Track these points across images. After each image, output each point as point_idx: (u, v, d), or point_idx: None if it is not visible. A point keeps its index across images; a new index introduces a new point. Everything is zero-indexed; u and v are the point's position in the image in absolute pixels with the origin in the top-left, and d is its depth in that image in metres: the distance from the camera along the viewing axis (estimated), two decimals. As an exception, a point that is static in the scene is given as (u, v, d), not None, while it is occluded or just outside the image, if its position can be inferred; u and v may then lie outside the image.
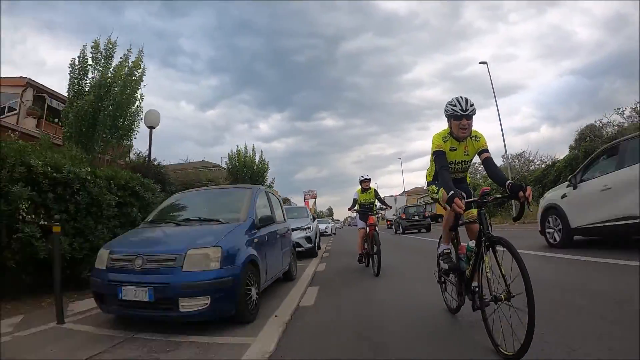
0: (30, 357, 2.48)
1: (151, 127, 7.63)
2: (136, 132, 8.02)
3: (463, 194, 2.32)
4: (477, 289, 2.30)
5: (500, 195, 2.42)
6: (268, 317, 3.25)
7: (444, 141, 2.66)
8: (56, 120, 14.78)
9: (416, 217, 19.16)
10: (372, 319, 3.13)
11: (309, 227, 9.06)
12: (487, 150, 2.64)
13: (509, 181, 2.30)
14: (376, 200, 6.44)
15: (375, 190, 6.55)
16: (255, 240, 3.63)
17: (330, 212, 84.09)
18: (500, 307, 2.06)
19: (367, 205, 6.31)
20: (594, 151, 15.37)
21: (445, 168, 2.57)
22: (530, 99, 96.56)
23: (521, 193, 2.14)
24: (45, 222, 4.01)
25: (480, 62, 21.19)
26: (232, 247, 3.13)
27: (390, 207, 6.98)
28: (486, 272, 2.13)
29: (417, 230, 18.87)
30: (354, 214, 6.82)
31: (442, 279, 3.02)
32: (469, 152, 2.70)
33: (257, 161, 18.01)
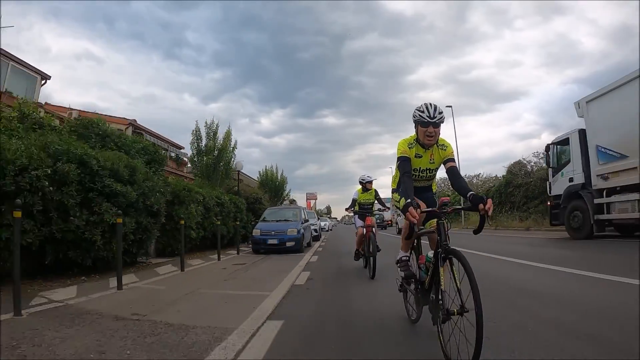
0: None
1: (238, 171, 15.21)
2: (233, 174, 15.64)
3: (419, 203, 2.37)
4: (433, 300, 2.23)
5: (460, 207, 2.44)
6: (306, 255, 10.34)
7: (410, 147, 2.60)
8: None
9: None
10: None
11: (316, 224, 16.45)
12: (452, 160, 2.58)
13: (471, 192, 2.23)
14: (375, 201, 6.36)
15: (375, 190, 6.41)
16: (303, 227, 10.89)
17: (328, 211, 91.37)
18: (452, 320, 1.97)
19: (366, 205, 6.24)
20: (512, 181, 20.54)
21: (407, 175, 2.52)
22: (532, 106, 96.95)
23: (481, 205, 2.07)
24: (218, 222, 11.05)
25: (447, 106, 23.70)
26: (298, 228, 10.38)
27: (389, 208, 7.67)
28: (441, 285, 2.09)
29: None
30: (352, 214, 6.72)
31: (403, 288, 2.91)
32: (435, 160, 2.63)
33: (279, 177, 26.18)
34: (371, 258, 5.30)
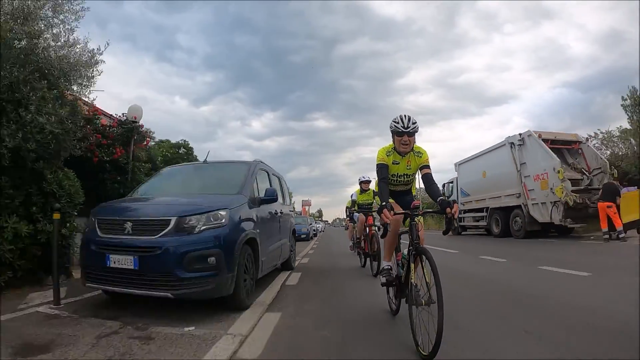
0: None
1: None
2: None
3: (393, 205, 2.56)
4: (408, 292, 2.44)
5: (430, 210, 2.73)
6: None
7: (387, 155, 2.78)
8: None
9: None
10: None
11: (311, 225, 23.40)
12: (428, 167, 2.77)
13: (441, 197, 2.46)
14: (374, 202, 6.42)
15: (373, 191, 6.44)
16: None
17: (320, 214, 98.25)
18: (422, 310, 2.22)
19: (365, 205, 6.40)
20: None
21: (383, 180, 2.71)
22: (522, 110, 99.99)
23: (448, 209, 2.31)
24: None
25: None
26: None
27: None
28: (411, 279, 2.32)
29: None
30: (343, 216, 10.50)
31: (387, 283, 3.04)
32: (411, 166, 2.82)
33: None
34: (375, 256, 5.36)
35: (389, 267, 2.90)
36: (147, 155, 7.83)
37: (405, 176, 2.88)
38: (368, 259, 5.93)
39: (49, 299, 3.57)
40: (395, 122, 2.69)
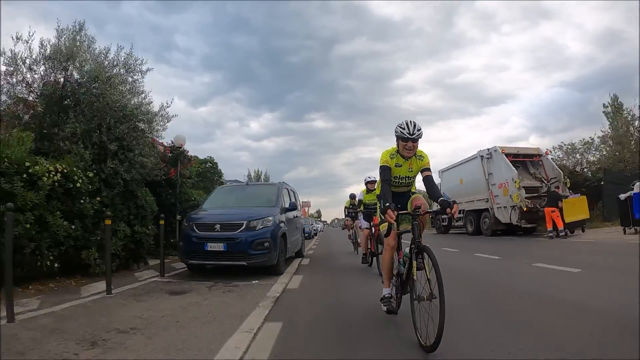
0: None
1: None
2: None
3: (397, 206, 2.69)
4: (409, 289, 2.59)
5: (431, 210, 2.86)
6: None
7: (391, 158, 2.91)
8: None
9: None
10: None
11: (312, 225, 25.63)
12: (428, 169, 2.94)
13: (441, 198, 2.64)
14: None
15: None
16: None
17: (319, 215, 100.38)
18: (423, 305, 2.32)
19: (371, 205, 6.39)
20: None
21: (387, 182, 2.85)
22: (520, 109, 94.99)
23: (448, 209, 2.51)
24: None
25: None
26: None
27: None
28: (413, 275, 2.44)
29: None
30: (341, 217, 10.93)
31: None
32: (413, 169, 2.96)
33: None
34: (380, 256, 5.22)
35: (390, 295, 2.94)
36: (189, 172, 10.14)
37: (407, 178, 3.01)
38: (374, 258, 6.07)
39: (154, 275, 5.78)
40: (401, 127, 2.79)
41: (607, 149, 21.15)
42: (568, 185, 13.05)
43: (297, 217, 7.26)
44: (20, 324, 2.99)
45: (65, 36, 6.20)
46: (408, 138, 2.76)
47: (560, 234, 10.92)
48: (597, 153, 20.70)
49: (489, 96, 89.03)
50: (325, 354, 2.30)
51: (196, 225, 5.40)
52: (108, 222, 4.34)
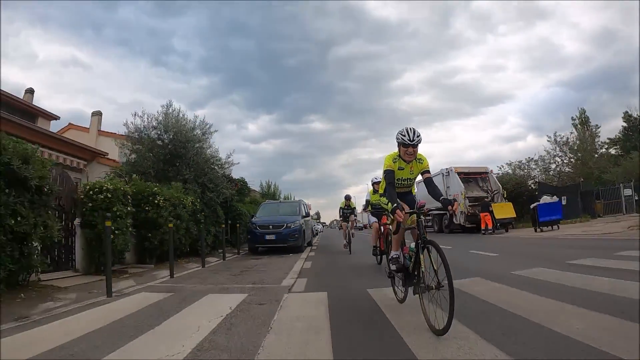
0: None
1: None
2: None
3: (405, 206, 3.00)
4: (416, 280, 2.81)
5: (434, 208, 3.24)
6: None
7: (394, 162, 3.18)
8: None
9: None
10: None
11: (314, 226, 30.22)
12: (428, 171, 3.24)
13: (442, 197, 2.95)
14: None
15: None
16: (303, 222, 23.41)
17: (318, 216, 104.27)
18: (432, 294, 2.54)
19: (377, 205, 6.54)
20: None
21: (391, 185, 3.12)
22: (517, 109, 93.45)
23: (449, 207, 2.81)
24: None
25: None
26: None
27: None
28: (421, 267, 2.65)
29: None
30: (340, 218, 9.48)
31: (392, 275, 3.52)
32: (414, 171, 3.25)
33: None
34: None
35: (397, 256, 3.27)
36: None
37: (408, 180, 3.33)
38: (384, 257, 6.19)
39: (217, 260, 10.41)
40: (402, 134, 3.03)
41: (565, 159, 25.77)
42: (505, 195, 17.87)
43: (308, 220, 12.10)
44: (198, 271, 7.72)
45: (161, 111, 10.85)
46: (409, 144, 3.01)
47: (488, 232, 15.64)
48: (537, 168, 25.48)
49: (486, 96, 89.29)
50: (328, 276, 5.80)
51: (258, 226, 10.22)
52: (170, 225, 9.25)
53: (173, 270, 6.35)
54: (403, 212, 2.82)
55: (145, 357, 2.28)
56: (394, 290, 3.58)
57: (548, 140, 27.67)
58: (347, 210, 9.29)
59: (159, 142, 10.70)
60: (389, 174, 3.17)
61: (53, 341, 2.63)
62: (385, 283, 4.06)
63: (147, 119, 10.61)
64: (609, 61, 57.99)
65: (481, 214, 16.07)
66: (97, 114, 16.49)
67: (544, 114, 73.07)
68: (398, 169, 3.21)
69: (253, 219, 10.84)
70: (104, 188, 6.46)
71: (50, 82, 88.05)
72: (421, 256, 2.68)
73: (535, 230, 14.33)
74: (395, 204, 2.86)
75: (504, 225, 16.34)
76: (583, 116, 33.28)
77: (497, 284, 4.19)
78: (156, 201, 7.84)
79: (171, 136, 10.62)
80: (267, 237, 10.03)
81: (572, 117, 31.91)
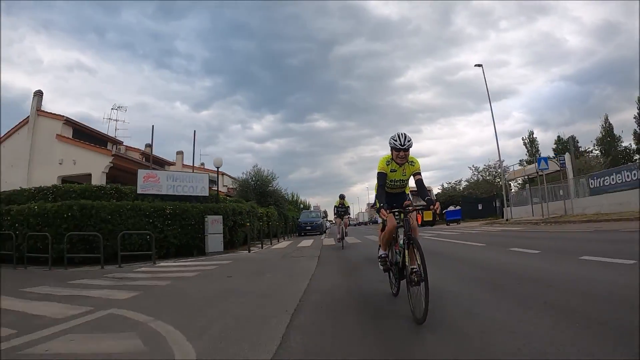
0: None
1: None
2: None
3: (393, 205, 3.36)
4: (406, 274, 2.99)
5: (419, 206, 3.36)
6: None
7: (387, 165, 3.40)
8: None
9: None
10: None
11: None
12: (419, 173, 3.45)
13: (428, 197, 3.26)
14: None
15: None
16: (322, 221, 32.77)
17: (325, 215, 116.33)
18: (414, 288, 2.82)
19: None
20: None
21: (381, 186, 3.39)
22: (521, 104, 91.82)
23: (432, 206, 3.11)
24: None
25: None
26: (320, 221, 32.13)
27: None
28: (407, 263, 2.95)
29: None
30: (335, 215, 11.36)
31: (387, 269, 3.74)
32: (406, 173, 3.47)
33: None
34: None
35: (385, 255, 3.62)
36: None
37: (401, 181, 3.53)
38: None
39: (257, 249, 23.19)
40: (394, 139, 3.25)
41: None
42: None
43: (324, 220, 24.87)
44: (256, 253, 20.37)
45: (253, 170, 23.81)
46: (400, 148, 3.24)
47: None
48: (465, 183, 37.30)
49: (489, 92, 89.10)
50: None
51: (302, 223, 23.25)
52: (247, 224, 22.16)
53: (263, 246, 19.07)
54: (387, 211, 3.16)
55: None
56: (390, 284, 3.81)
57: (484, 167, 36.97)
58: (341, 208, 10.81)
59: (252, 183, 23.45)
60: (380, 176, 3.42)
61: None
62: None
63: (247, 173, 23.55)
64: (612, 54, 59.35)
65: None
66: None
67: (548, 109, 76.51)
68: (390, 171, 3.45)
69: (299, 220, 23.57)
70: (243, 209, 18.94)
71: (56, 86, 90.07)
72: (406, 252, 2.99)
73: (447, 225, 26.51)
74: (381, 204, 3.18)
75: (454, 221, 28.22)
76: (531, 136, 44.25)
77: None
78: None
79: (258, 182, 23.45)
80: (307, 227, 22.73)
81: (522, 138, 41.83)
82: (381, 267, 3.76)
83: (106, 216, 9.18)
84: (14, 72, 70.19)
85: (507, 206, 22.65)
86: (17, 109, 66.15)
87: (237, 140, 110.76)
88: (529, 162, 35.24)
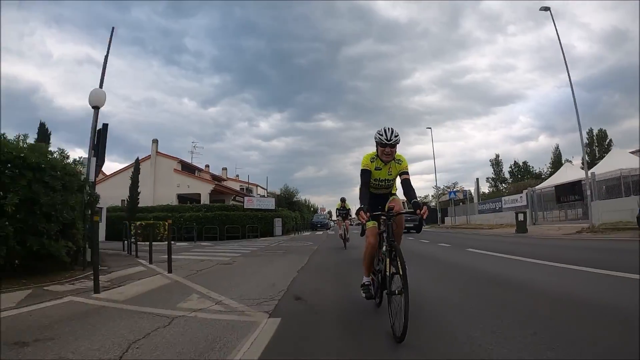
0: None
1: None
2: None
3: (377, 207, 3.04)
4: (387, 285, 2.68)
5: (404, 210, 3.06)
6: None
7: (371, 161, 3.10)
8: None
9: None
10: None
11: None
12: (406, 173, 3.12)
13: (414, 200, 2.88)
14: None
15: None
16: (327, 220, 44.14)
17: (330, 215, 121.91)
18: (395, 299, 2.49)
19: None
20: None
21: (365, 184, 3.07)
22: (528, 109, 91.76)
23: (418, 211, 2.74)
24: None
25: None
26: (326, 221, 43.12)
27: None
28: (386, 271, 2.65)
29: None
30: (336, 217, 10.76)
31: (370, 299, 3.32)
32: (392, 172, 3.14)
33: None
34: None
35: (369, 283, 3.21)
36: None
37: (386, 181, 3.18)
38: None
39: (294, 234, 35.84)
40: (379, 134, 2.96)
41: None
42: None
43: (330, 220, 38.10)
44: (295, 236, 33.17)
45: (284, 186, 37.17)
46: (386, 144, 2.94)
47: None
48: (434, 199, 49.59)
49: (496, 96, 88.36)
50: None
51: (314, 222, 36.85)
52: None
53: (297, 233, 32.01)
54: (368, 214, 2.76)
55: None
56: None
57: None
58: (343, 211, 10.85)
59: (283, 196, 36.64)
60: (364, 173, 3.11)
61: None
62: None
63: (280, 189, 36.67)
64: (620, 61, 59.28)
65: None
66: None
67: (556, 114, 75.66)
68: (375, 169, 3.13)
69: (312, 220, 36.69)
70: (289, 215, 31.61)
71: (65, 80, 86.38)
72: (387, 260, 2.67)
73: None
74: (361, 205, 2.85)
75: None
76: (498, 159, 55.12)
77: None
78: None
79: (287, 194, 36.66)
80: (317, 225, 35.76)
81: (490, 160, 53.20)
82: (363, 295, 3.24)
83: (237, 218, 22.12)
84: (24, 65, 71.96)
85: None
86: (25, 101, 67.86)
87: (244, 138, 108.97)
88: (494, 180, 51.47)
